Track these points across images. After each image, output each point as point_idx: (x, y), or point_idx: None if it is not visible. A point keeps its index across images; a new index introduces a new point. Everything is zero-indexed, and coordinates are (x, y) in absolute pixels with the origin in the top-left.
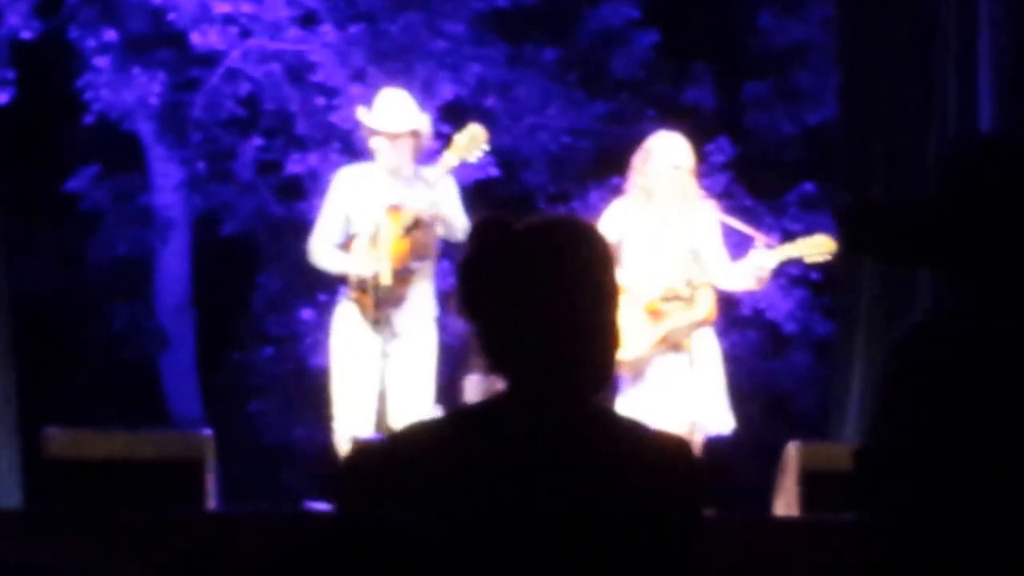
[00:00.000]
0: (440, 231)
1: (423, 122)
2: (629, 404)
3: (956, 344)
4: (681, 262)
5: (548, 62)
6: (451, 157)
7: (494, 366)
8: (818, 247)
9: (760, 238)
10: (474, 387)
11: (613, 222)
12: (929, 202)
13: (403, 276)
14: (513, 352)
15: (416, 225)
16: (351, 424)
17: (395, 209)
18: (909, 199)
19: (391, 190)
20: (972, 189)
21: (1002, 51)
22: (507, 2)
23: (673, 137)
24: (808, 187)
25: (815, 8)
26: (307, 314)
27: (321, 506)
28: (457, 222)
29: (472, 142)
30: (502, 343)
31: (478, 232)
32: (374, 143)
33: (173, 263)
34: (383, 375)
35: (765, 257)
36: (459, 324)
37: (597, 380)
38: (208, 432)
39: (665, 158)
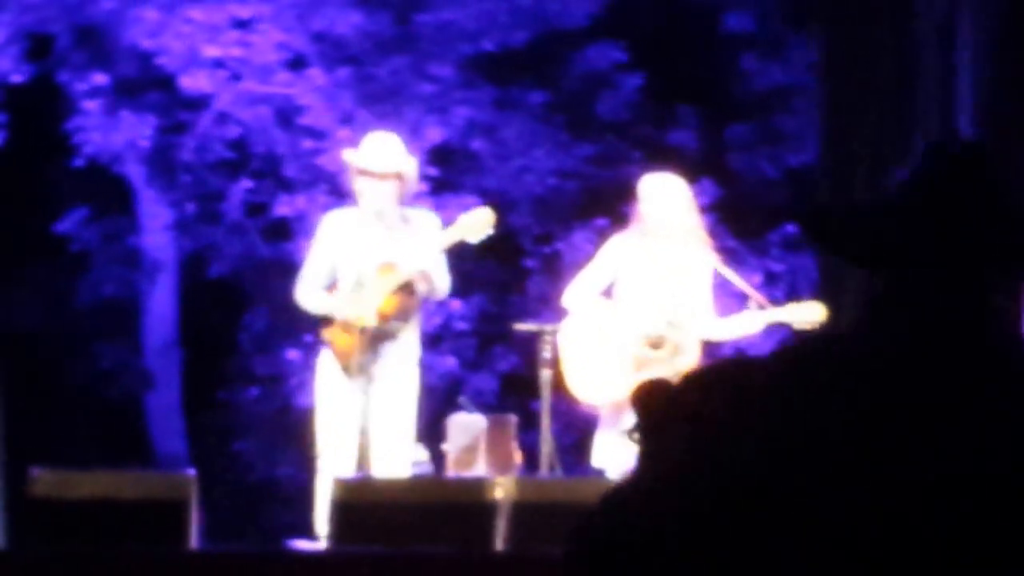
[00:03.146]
0: (423, 290)
1: (409, 165)
2: (608, 443)
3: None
4: (668, 304)
5: (535, 104)
6: (452, 234)
7: None
8: (809, 314)
9: (755, 299)
10: (458, 426)
11: (609, 257)
12: (896, 200)
13: (383, 333)
14: None
15: (405, 287)
16: (336, 463)
17: (388, 267)
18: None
19: (379, 241)
20: (936, 189)
21: (982, 94)
22: (494, 45)
23: (661, 180)
24: (790, 228)
25: (798, 52)
26: (293, 355)
27: (304, 544)
28: (440, 285)
29: (477, 225)
30: None
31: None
32: (359, 184)
33: (160, 304)
34: (364, 414)
35: (754, 322)
36: (443, 364)
37: None
38: (191, 472)
39: (650, 201)
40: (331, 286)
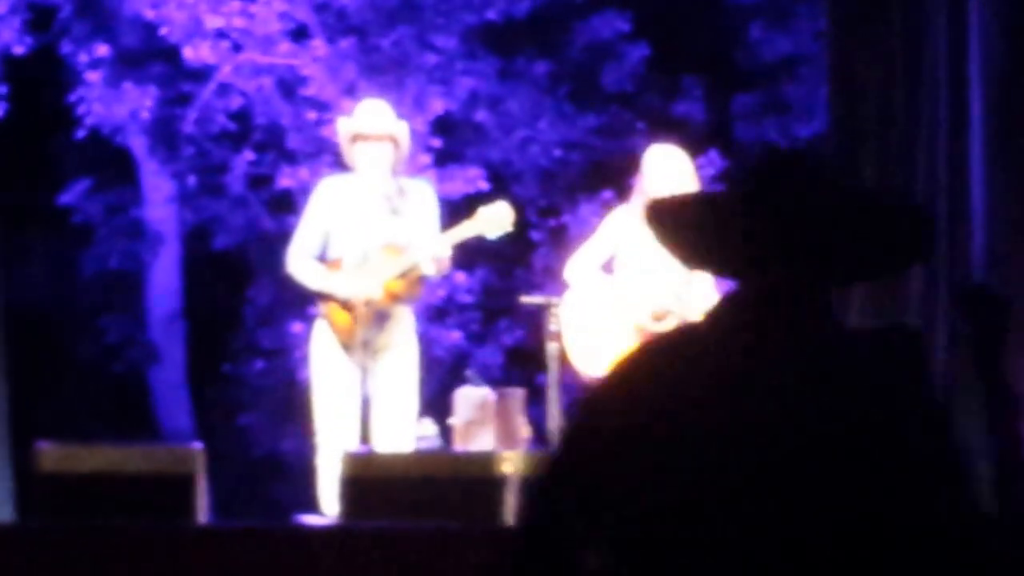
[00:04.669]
0: (430, 271)
1: (401, 129)
2: None
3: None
4: (673, 278)
5: (539, 75)
6: (469, 228)
7: None
8: None
9: None
10: (465, 400)
11: (611, 230)
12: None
13: (384, 310)
14: None
15: (411, 271)
16: (335, 438)
17: (395, 248)
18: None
19: (380, 216)
20: (762, 192)
21: (992, 64)
22: (498, 16)
23: (664, 151)
24: None
25: (805, 21)
26: (297, 327)
27: (311, 519)
28: (441, 264)
29: (495, 221)
30: None
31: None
32: (354, 151)
33: (164, 276)
34: (366, 388)
35: None
36: (449, 338)
37: None
38: (198, 446)
39: (653, 173)
40: (323, 256)
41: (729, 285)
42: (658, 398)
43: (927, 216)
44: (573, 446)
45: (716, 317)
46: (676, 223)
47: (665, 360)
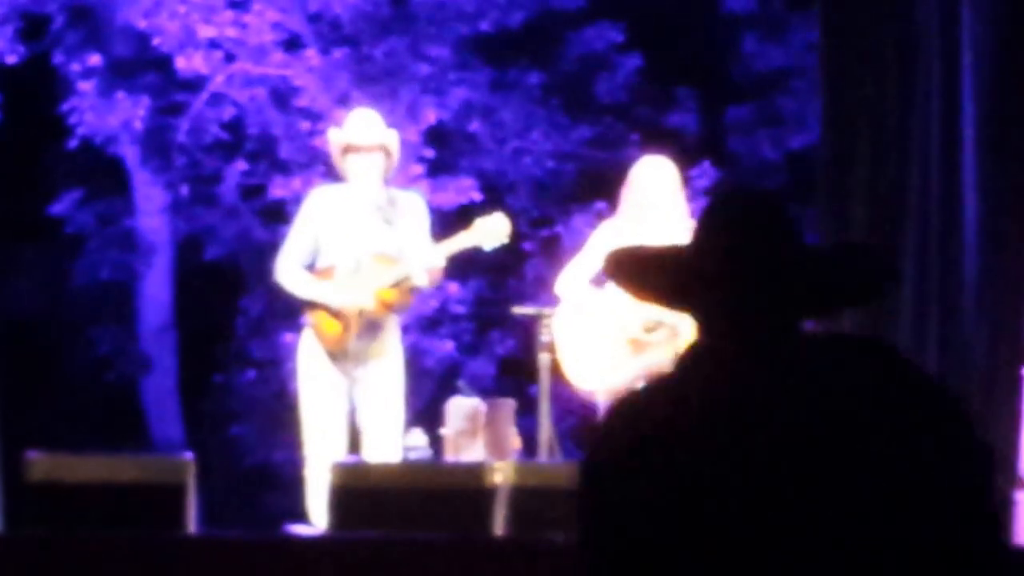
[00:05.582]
0: (424, 283)
1: (391, 138)
2: None
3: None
4: None
5: (532, 86)
6: (465, 239)
7: None
8: None
9: None
10: (456, 410)
11: (600, 243)
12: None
13: (373, 320)
14: None
15: (404, 282)
16: (323, 449)
17: (387, 258)
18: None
19: (372, 226)
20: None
21: (985, 76)
22: (491, 26)
23: (653, 162)
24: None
25: (798, 33)
26: (289, 338)
27: (301, 529)
28: (433, 275)
29: (492, 233)
30: None
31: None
32: (345, 162)
33: (156, 287)
34: (352, 398)
35: None
36: (440, 348)
37: None
38: (189, 456)
39: (642, 183)
40: (311, 266)
41: None
42: (657, 454)
43: (880, 261)
44: (592, 520)
45: (686, 363)
46: (636, 280)
47: (647, 415)
